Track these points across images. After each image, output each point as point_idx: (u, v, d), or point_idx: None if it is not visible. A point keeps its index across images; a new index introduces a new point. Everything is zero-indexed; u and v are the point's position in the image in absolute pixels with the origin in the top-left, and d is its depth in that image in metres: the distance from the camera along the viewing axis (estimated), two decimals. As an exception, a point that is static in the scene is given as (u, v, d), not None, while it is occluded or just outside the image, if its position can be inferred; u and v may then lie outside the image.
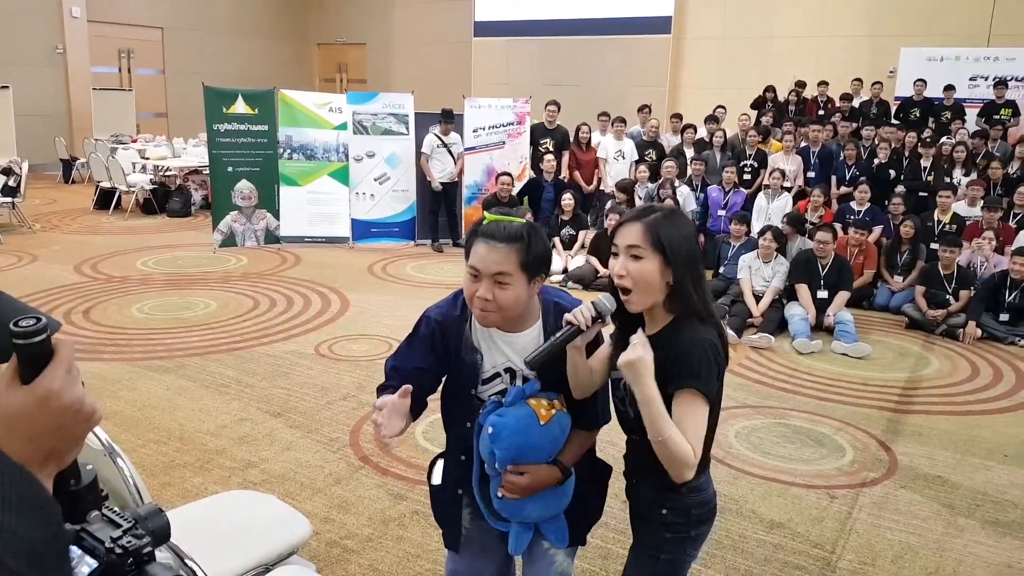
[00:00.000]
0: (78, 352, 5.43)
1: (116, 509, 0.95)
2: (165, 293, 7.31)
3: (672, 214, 1.80)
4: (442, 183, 9.73)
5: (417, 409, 1.99)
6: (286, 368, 5.41)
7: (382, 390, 1.99)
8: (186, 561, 1.51)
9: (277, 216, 9.59)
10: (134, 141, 14.20)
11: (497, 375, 2.02)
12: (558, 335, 1.81)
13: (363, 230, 9.96)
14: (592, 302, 1.81)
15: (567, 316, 1.80)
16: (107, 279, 7.77)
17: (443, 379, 2.09)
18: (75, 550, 0.88)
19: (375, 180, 9.92)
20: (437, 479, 2.17)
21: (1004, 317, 6.70)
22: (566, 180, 9.94)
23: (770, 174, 8.96)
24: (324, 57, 19.73)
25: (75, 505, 0.92)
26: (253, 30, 18.31)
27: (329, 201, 9.83)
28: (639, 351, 1.70)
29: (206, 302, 7.01)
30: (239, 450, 4.13)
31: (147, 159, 12.83)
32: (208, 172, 10.20)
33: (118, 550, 0.87)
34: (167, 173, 12.67)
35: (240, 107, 9.27)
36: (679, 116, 11.24)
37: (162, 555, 1.58)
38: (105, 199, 11.90)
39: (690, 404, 1.71)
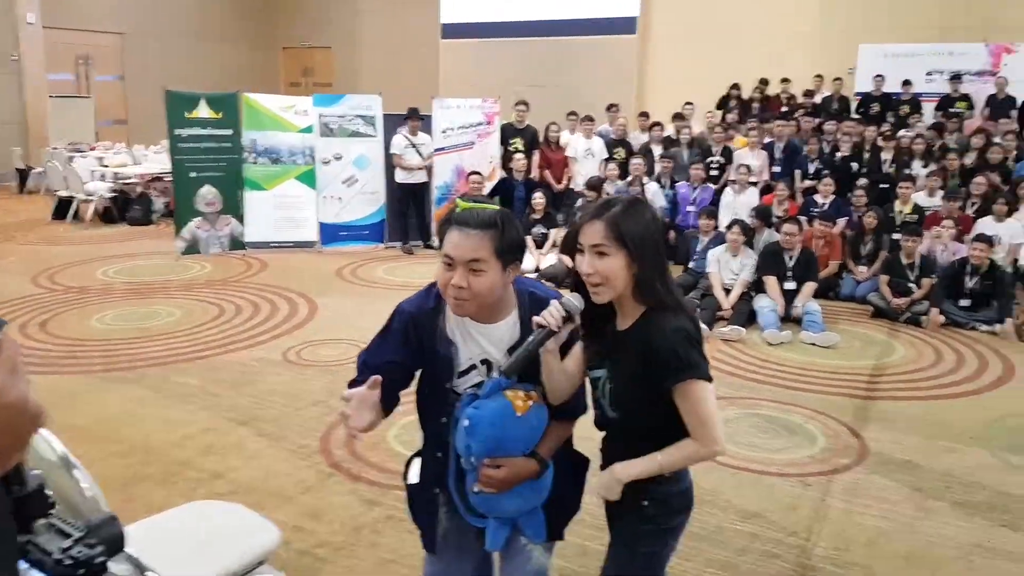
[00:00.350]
0: (34, 366, 5.32)
1: (66, 518, 0.91)
2: (126, 303, 7.17)
3: (631, 206, 1.79)
4: (412, 184, 9.67)
5: (389, 405, 1.95)
6: (253, 375, 5.32)
7: (353, 385, 1.96)
8: (146, 573, 1.46)
9: (242, 221, 9.46)
10: (93, 149, 13.93)
11: (473, 367, 1.99)
12: (530, 339, 1.80)
13: (331, 234, 9.85)
14: (560, 302, 1.81)
15: (537, 319, 1.80)
16: (65, 290, 7.58)
17: (417, 374, 2.05)
18: (22, 563, 0.84)
19: (343, 183, 9.83)
20: (414, 478, 2.13)
21: (965, 303, 6.81)
22: (537, 179, 9.95)
23: (736, 169, 9.03)
24: (289, 61, 19.54)
25: (19, 512, 0.88)
26: (216, 35, 18.06)
27: (296, 205, 9.71)
28: (604, 484, 1.86)
29: (169, 311, 6.89)
30: (205, 461, 4.04)
31: (106, 167, 12.56)
32: (170, 179, 10.04)
33: (68, 561, 0.83)
34: (127, 181, 12.42)
35: (203, 111, 9.14)
36: (646, 114, 11.32)
37: (119, 567, 1.53)
38: (63, 209, 11.62)
39: (693, 394, 1.77)
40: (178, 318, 6.67)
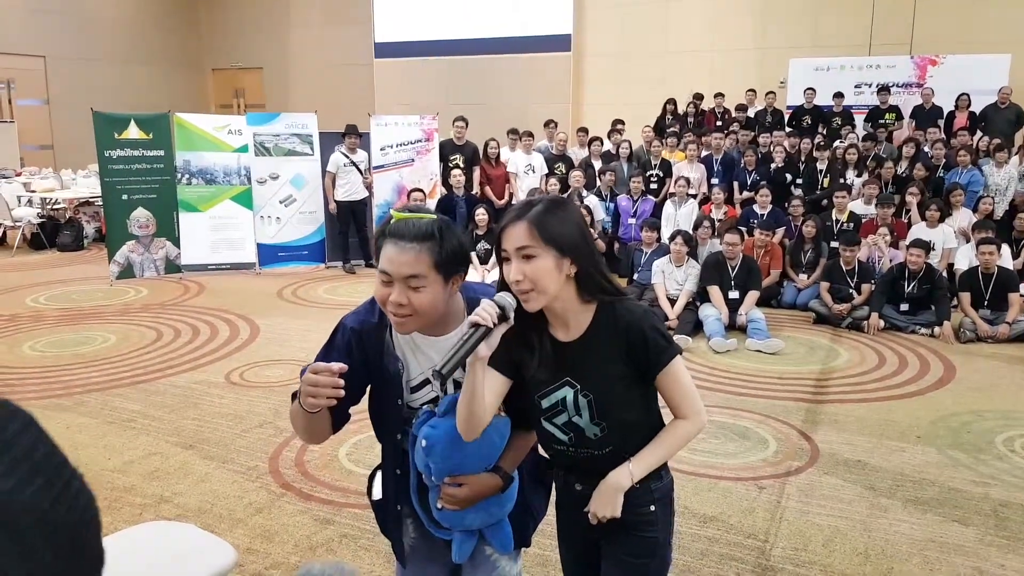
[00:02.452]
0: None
1: None
2: (59, 329, 6.88)
3: (553, 203, 1.67)
4: (352, 201, 9.56)
5: (338, 421, 1.87)
6: (195, 398, 5.15)
7: (296, 396, 1.87)
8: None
9: (177, 244, 9.22)
10: (18, 175, 13.44)
11: (427, 382, 1.90)
12: (465, 338, 1.61)
13: (270, 255, 9.66)
14: (494, 299, 1.65)
15: (471, 317, 1.62)
16: (-7, 318, 7.27)
17: (367, 390, 1.95)
18: None
19: (280, 202, 9.66)
20: (377, 494, 2.04)
21: (904, 307, 7.00)
22: (478, 195, 9.93)
23: (675, 182, 9.16)
24: (220, 82, 19.19)
25: None
26: (143, 57, 17.65)
27: (232, 226, 9.51)
28: (605, 502, 1.74)
29: (105, 336, 6.64)
30: (150, 486, 3.88)
31: (33, 192, 12.14)
32: (100, 203, 9.72)
33: None
34: (56, 206, 12.02)
35: (133, 132, 8.89)
36: (585, 130, 11.42)
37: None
38: (-12, 236, 11.21)
39: (677, 371, 1.71)
40: (114, 343, 6.43)
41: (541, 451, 2.11)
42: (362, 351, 1.85)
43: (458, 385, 1.83)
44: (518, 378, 1.77)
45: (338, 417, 1.86)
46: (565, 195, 9.14)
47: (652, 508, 1.79)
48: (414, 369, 1.89)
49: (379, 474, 2.06)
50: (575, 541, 1.95)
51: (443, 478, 1.83)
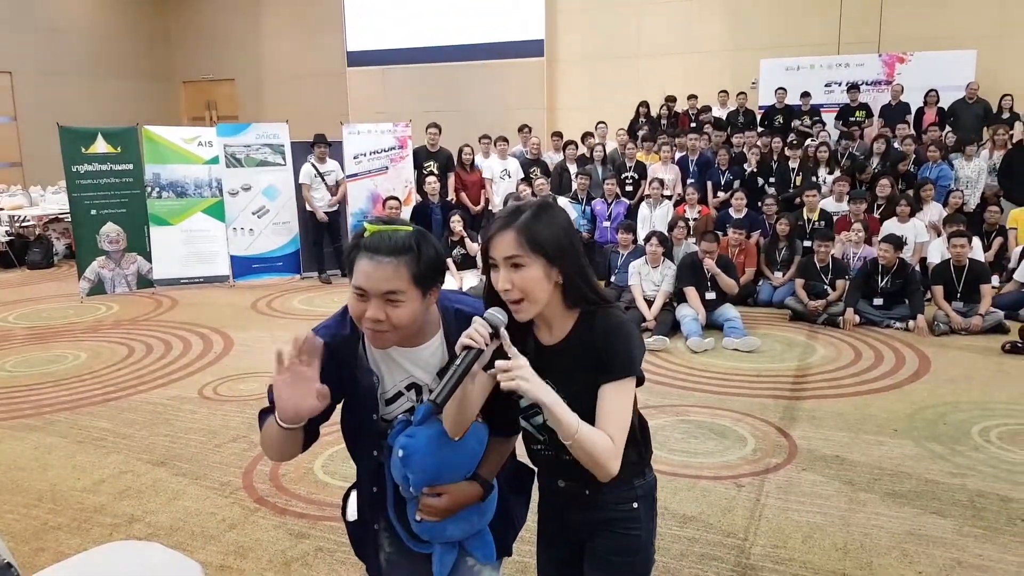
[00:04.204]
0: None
1: None
2: (27, 348, 6.76)
3: (541, 209, 1.64)
4: (325, 212, 9.50)
5: (309, 438, 1.81)
6: (168, 415, 5.07)
7: (264, 414, 1.81)
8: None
9: (149, 259, 9.10)
10: (-14, 193, 13.25)
11: (400, 394, 1.85)
12: (458, 364, 1.55)
13: (243, 267, 9.57)
14: (484, 317, 1.61)
15: (463, 340, 1.56)
16: (-39, 338, 7.13)
17: (339, 406, 1.89)
18: None
19: (253, 214, 9.57)
20: (352, 515, 1.99)
21: (878, 302, 7.04)
22: (453, 202, 9.90)
23: (650, 184, 9.17)
24: (191, 94, 19.02)
25: None
26: (113, 70, 17.45)
27: (204, 239, 9.40)
28: (513, 362, 1.54)
29: (75, 354, 6.53)
30: (120, 505, 3.80)
31: (1, 209, 11.97)
32: (70, 219, 9.59)
33: None
34: (24, 223, 11.84)
35: (101, 146, 8.78)
36: (560, 134, 11.43)
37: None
38: (-45, 255, 11.02)
39: (623, 392, 1.63)
40: (85, 360, 6.32)
41: (519, 458, 2.08)
42: (335, 365, 1.78)
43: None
44: None
45: (309, 434, 1.80)
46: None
47: (635, 505, 1.77)
48: (388, 382, 1.85)
49: (354, 493, 2.01)
50: (557, 542, 1.91)
51: (421, 488, 1.79)
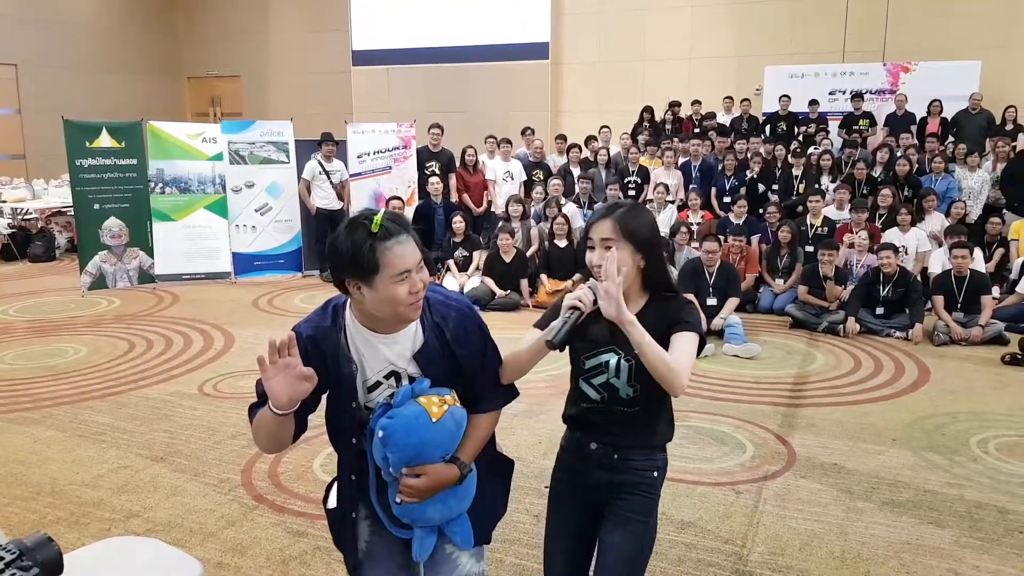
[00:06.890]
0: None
1: None
2: (28, 341, 6.77)
3: (634, 208, 2.02)
4: (329, 210, 9.50)
5: (299, 428, 1.90)
6: (168, 410, 5.07)
7: (254, 409, 1.90)
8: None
9: (151, 254, 9.11)
10: (-11, 185, 13.27)
11: (379, 383, 1.92)
12: (567, 317, 1.86)
13: (245, 264, 9.58)
14: (588, 286, 1.91)
15: (569, 301, 1.87)
16: (-39, 330, 7.13)
17: (324, 397, 1.96)
18: None
19: (256, 211, 9.58)
20: (332, 503, 2.06)
21: (879, 311, 7.05)
22: (456, 202, 9.90)
23: (654, 189, 9.18)
24: (196, 91, 19.04)
25: None
26: (118, 65, 17.47)
27: (207, 235, 9.41)
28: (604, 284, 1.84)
29: (75, 348, 6.54)
30: (119, 500, 3.81)
31: (4, 202, 11.98)
32: (73, 213, 9.60)
33: None
34: (27, 216, 11.86)
35: (105, 141, 8.78)
36: (563, 137, 11.42)
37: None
38: (-42, 247, 11.03)
39: (691, 342, 1.93)
40: (85, 355, 6.33)
41: (499, 449, 2.16)
42: (319, 355, 1.88)
43: (412, 379, 1.92)
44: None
45: (299, 423, 1.89)
46: (544, 200, 9.14)
47: (655, 474, 2.06)
48: (369, 369, 1.92)
49: (336, 484, 2.07)
50: (572, 504, 2.11)
51: (401, 468, 1.86)
